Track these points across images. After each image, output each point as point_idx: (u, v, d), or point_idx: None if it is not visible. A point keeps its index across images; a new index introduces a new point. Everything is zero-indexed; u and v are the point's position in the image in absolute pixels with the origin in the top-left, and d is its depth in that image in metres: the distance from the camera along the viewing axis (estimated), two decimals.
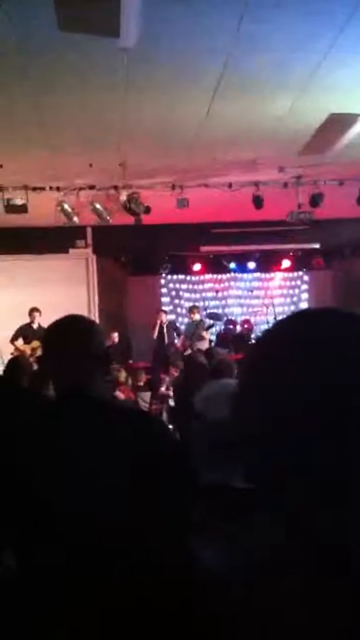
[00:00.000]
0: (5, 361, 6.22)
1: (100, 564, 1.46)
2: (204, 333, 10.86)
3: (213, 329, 11.99)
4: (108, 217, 9.17)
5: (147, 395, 9.21)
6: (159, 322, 11.47)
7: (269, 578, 0.70)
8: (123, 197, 8.71)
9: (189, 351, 9.88)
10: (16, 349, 9.84)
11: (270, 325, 0.86)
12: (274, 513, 0.73)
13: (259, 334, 0.88)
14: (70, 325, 1.78)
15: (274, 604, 0.70)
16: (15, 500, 1.58)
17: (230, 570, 0.81)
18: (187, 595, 0.80)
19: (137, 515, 1.49)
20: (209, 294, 13.94)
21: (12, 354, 9.02)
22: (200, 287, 14.03)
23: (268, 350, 0.78)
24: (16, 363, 5.05)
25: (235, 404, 0.79)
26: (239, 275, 13.86)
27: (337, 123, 6.73)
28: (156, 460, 1.61)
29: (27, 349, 9.54)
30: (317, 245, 12.52)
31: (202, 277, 13.89)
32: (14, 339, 10.12)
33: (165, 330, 11.45)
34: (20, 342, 10.07)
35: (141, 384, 9.65)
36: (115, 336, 10.99)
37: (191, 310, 11.75)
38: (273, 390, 0.74)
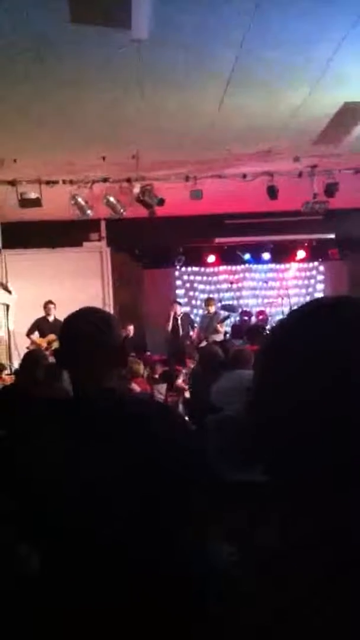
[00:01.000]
0: (21, 355, 6.26)
1: (115, 559, 1.47)
2: (219, 326, 10.84)
3: (228, 321, 11.96)
4: (122, 210, 9.16)
5: (162, 387, 9.22)
6: (172, 313, 11.47)
7: (284, 572, 0.70)
8: (136, 189, 8.69)
9: (204, 343, 9.88)
10: (32, 342, 9.89)
11: (286, 314, 0.84)
12: (293, 506, 0.72)
13: (274, 324, 0.86)
14: (86, 317, 1.76)
15: (287, 598, 0.69)
16: (36, 496, 1.57)
17: (244, 563, 0.81)
18: (199, 590, 0.80)
19: (151, 509, 1.49)
20: (224, 286, 13.91)
21: (27, 347, 9.08)
22: (215, 278, 14.00)
23: (284, 342, 0.77)
24: (32, 356, 5.07)
25: (252, 397, 0.79)
26: (253, 266, 13.80)
27: (351, 112, 6.67)
28: (174, 453, 1.60)
29: (43, 342, 9.59)
30: (332, 236, 12.42)
31: (216, 269, 13.85)
32: (29, 333, 10.18)
33: (180, 322, 11.44)
34: (36, 335, 10.12)
35: (157, 376, 9.66)
36: (131, 329, 11.00)
37: (207, 302, 11.73)
38: (290, 380, 0.73)
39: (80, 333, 1.72)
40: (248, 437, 0.84)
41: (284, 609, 0.68)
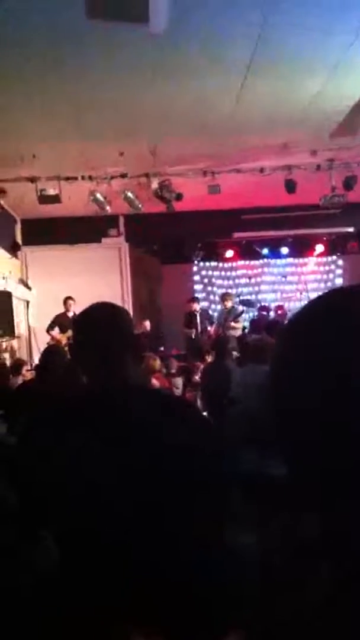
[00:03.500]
0: (41, 350, 6.31)
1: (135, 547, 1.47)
2: (233, 323, 10.81)
3: (244, 315, 11.93)
4: (140, 205, 9.17)
5: (178, 382, 9.23)
6: (191, 311, 11.45)
7: (303, 566, 0.70)
8: (154, 184, 8.69)
9: None
10: (52, 338, 9.95)
11: (305, 304, 0.83)
12: (312, 502, 0.72)
13: (294, 313, 0.83)
14: (98, 312, 1.76)
15: (306, 592, 0.69)
16: (41, 496, 1.57)
17: (265, 555, 0.81)
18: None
19: (155, 510, 1.48)
20: (242, 281, 13.86)
21: (48, 343, 9.14)
22: (233, 273, 13.96)
23: (306, 331, 0.76)
24: (52, 352, 5.09)
25: (272, 388, 0.78)
26: (272, 261, 13.74)
27: None
28: (183, 454, 1.59)
29: (63, 338, 9.64)
30: (351, 229, 12.32)
31: (234, 264, 13.81)
32: (49, 329, 10.23)
33: (198, 318, 11.43)
34: (56, 331, 10.18)
35: (173, 371, 9.67)
36: (147, 324, 11.01)
37: (223, 298, 11.71)
38: (311, 371, 0.72)
39: (93, 328, 1.72)
40: (269, 430, 0.83)
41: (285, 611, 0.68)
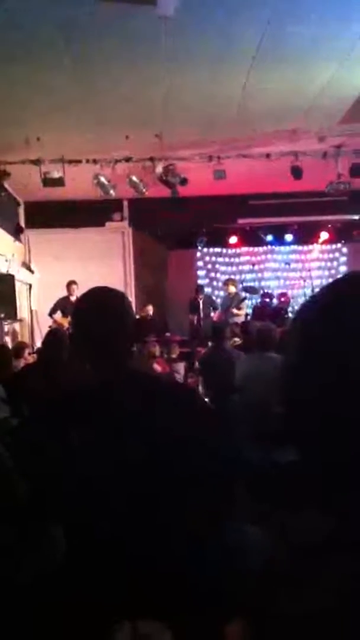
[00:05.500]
0: (44, 334, 6.30)
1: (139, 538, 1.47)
2: (235, 310, 10.79)
3: (248, 302, 11.90)
4: (144, 189, 9.11)
5: (180, 367, 9.24)
6: (195, 298, 11.43)
7: (313, 564, 0.69)
8: (159, 168, 8.63)
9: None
10: (54, 321, 9.95)
11: (317, 292, 0.81)
12: (325, 500, 0.71)
13: (305, 302, 0.80)
14: (95, 301, 1.75)
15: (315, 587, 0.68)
16: (37, 488, 1.56)
17: (266, 549, 0.80)
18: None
19: (150, 504, 1.47)
20: (246, 267, 13.82)
21: (50, 327, 9.13)
22: (237, 260, 13.91)
23: (319, 320, 0.74)
24: (56, 336, 5.04)
25: (284, 377, 0.76)
26: (276, 247, 13.68)
27: None
28: (192, 435, 1.58)
29: (65, 322, 9.64)
30: (356, 217, 12.24)
31: (238, 250, 13.76)
32: (52, 312, 10.23)
33: (201, 304, 11.42)
34: (58, 315, 10.17)
35: (174, 356, 9.67)
36: (150, 309, 11.00)
37: (226, 283, 11.68)
38: (323, 361, 0.70)
39: (90, 318, 1.71)
40: (272, 420, 0.82)
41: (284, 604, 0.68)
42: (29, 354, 7.92)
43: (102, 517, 1.47)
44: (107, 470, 1.50)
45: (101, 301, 1.74)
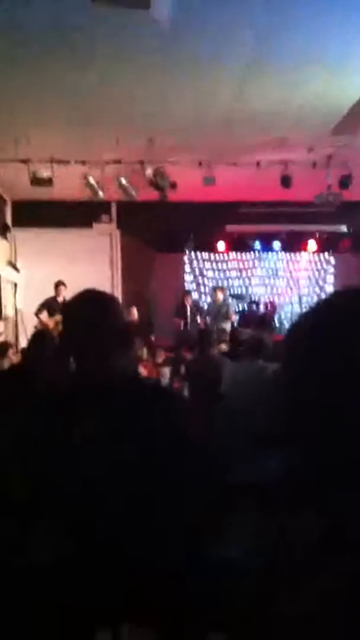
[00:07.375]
0: (29, 333, 6.25)
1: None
2: (224, 318, 10.82)
3: (234, 308, 11.95)
4: (133, 193, 9.10)
5: (166, 372, 9.23)
6: (183, 302, 11.42)
7: (309, 574, 0.69)
8: (149, 171, 8.63)
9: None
10: (40, 321, 9.88)
11: (312, 308, 0.82)
12: (319, 507, 0.71)
13: (309, 309, 0.83)
14: (85, 303, 1.75)
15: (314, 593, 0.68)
16: (32, 488, 1.55)
17: (264, 551, 0.79)
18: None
19: (146, 508, 1.47)
20: (233, 273, 13.87)
21: (35, 326, 9.07)
22: (224, 266, 13.95)
23: (326, 326, 0.75)
24: (41, 336, 5.00)
25: (288, 380, 0.77)
26: (263, 255, 13.75)
27: None
28: (172, 452, 1.57)
29: (51, 323, 9.58)
30: (344, 228, 12.34)
31: (226, 256, 13.80)
32: (38, 312, 10.17)
33: (188, 310, 11.42)
34: (44, 315, 10.11)
35: (159, 361, 9.65)
36: (135, 312, 10.95)
37: (215, 291, 11.71)
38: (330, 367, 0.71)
39: (81, 315, 1.71)
40: (262, 426, 0.83)
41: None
42: (14, 353, 7.85)
43: (97, 518, 1.46)
44: (100, 472, 1.49)
45: (91, 302, 1.74)
